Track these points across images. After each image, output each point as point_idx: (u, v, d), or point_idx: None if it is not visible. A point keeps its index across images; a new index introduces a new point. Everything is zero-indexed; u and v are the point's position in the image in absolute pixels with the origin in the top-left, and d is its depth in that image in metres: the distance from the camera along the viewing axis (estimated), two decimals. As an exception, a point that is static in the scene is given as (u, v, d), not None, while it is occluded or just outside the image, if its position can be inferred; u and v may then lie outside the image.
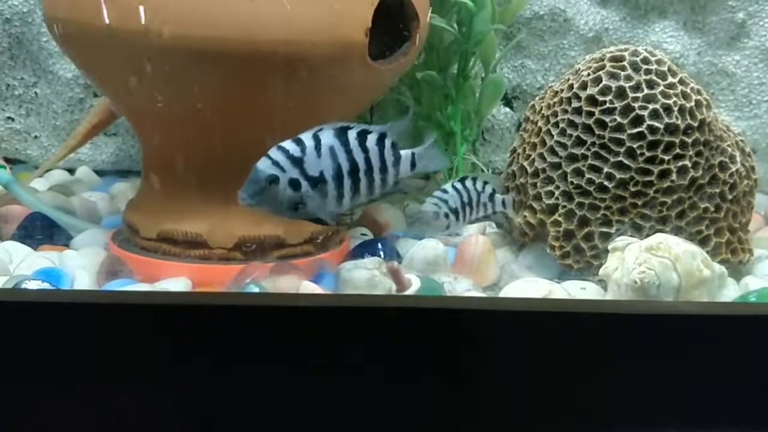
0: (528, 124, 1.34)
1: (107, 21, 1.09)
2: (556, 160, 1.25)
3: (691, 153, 1.22)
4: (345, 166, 1.00)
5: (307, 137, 0.99)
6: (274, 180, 0.97)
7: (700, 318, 0.92)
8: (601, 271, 1.16)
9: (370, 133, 1.03)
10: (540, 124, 1.29)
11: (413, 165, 1.06)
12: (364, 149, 1.01)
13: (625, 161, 1.21)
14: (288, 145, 0.99)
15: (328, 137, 1.00)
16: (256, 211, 1.00)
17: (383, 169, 1.03)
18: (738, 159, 1.27)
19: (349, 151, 1.01)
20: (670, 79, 1.22)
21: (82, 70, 1.27)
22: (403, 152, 1.05)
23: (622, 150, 1.21)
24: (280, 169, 0.98)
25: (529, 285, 1.15)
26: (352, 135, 1.01)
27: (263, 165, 0.98)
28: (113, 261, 1.20)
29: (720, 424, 0.92)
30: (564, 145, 1.24)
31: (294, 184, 0.98)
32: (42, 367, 0.88)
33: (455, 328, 0.90)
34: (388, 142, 1.03)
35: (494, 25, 1.45)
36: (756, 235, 1.40)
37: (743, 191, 1.28)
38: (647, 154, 1.21)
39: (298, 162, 0.98)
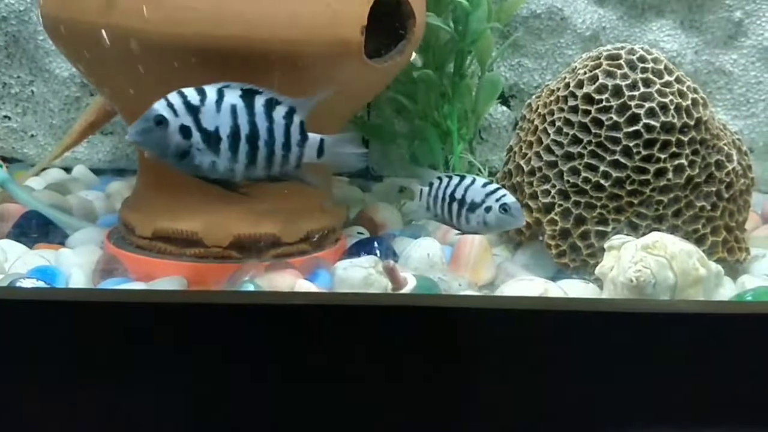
0: (524, 123, 1.34)
1: (104, 20, 1.09)
2: (553, 158, 1.25)
3: (687, 151, 1.22)
4: (244, 129, 0.95)
5: (211, 89, 0.95)
6: (162, 121, 0.94)
7: (697, 317, 0.92)
8: (597, 270, 1.16)
9: (279, 104, 0.98)
10: (536, 122, 1.29)
11: (320, 152, 1.00)
12: (269, 119, 0.97)
13: (622, 160, 1.21)
14: (188, 91, 0.95)
15: (232, 95, 0.96)
16: (144, 149, 0.95)
17: (286, 145, 0.98)
18: (735, 158, 1.27)
19: (252, 115, 0.96)
20: (667, 78, 1.22)
21: (78, 68, 1.27)
22: (311, 135, 0.99)
23: (618, 148, 1.21)
24: (172, 112, 0.94)
25: (525, 284, 1.15)
26: (259, 100, 0.96)
27: (157, 105, 0.94)
28: (109, 259, 1.20)
29: (717, 423, 0.92)
30: (560, 144, 1.24)
31: (184, 131, 0.95)
32: (37, 365, 0.88)
33: (451, 327, 0.90)
34: (296, 119, 0.98)
35: (490, 23, 1.45)
36: (752, 234, 1.40)
37: (740, 190, 1.28)
38: (643, 152, 1.21)
39: (193, 110, 0.94)
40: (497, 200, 1.11)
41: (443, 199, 1.14)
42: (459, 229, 1.17)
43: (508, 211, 1.11)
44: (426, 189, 1.15)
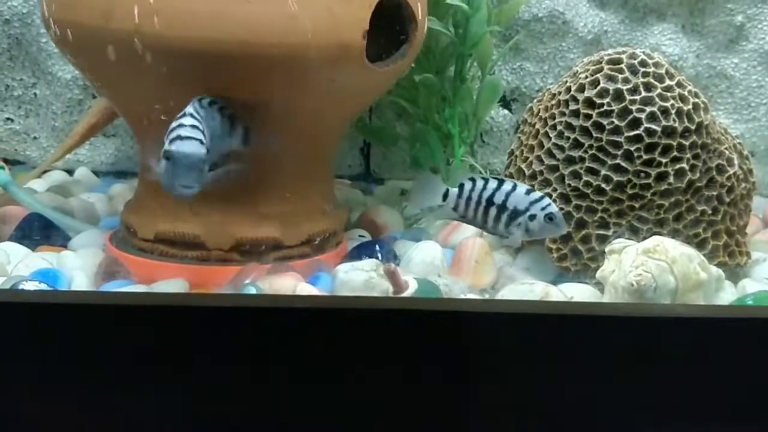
0: (525, 127, 1.34)
1: (107, 23, 1.09)
2: (554, 162, 1.25)
3: (688, 156, 1.22)
4: (217, 132, 1.04)
5: (190, 110, 1.03)
6: (206, 159, 0.99)
7: (697, 321, 0.92)
8: (598, 274, 1.16)
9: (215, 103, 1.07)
10: (537, 126, 1.29)
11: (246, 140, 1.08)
12: (213, 117, 1.06)
13: (623, 164, 1.21)
14: (190, 119, 1.01)
15: (195, 107, 1.04)
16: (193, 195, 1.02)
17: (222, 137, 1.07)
18: (736, 162, 1.27)
19: (213, 118, 1.05)
20: (668, 82, 1.23)
21: (80, 71, 1.27)
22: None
23: (619, 153, 1.21)
24: (203, 145, 0.99)
25: (526, 287, 1.15)
26: (205, 102, 1.06)
27: (192, 148, 0.99)
28: (111, 262, 1.21)
29: (717, 426, 0.92)
30: (561, 148, 1.24)
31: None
32: (39, 368, 0.88)
33: (452, 331, 0.90)
34: (227, 112, 1.07)
35: (490, 27, 1.45)
36: (754, 238, 1.40)
37: (741, 194, 1.28)
38: (645, 156, 1.21)
39: (203, 133, 1.01)
40: (542, 209, 1.12)
41: (478, 202, 1.13)
42: (493, 233, 1.16)
43: (554, 219, 1.11)
44: (455, 191, 1.14)
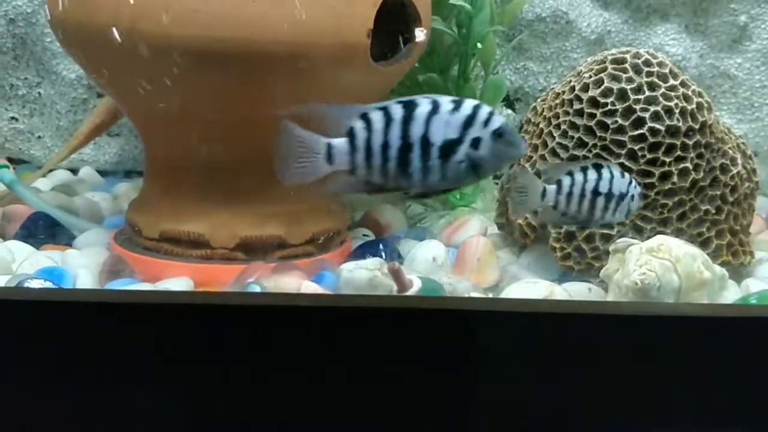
0: (529, 126, 1.34)
1: (114, 22, 1.09)
2: (558, 161, 1.25)
3: (692, 155, 1.22)
4: None
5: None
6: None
7: (701, 320, 0.92)
8: (602, 273, 1.16)
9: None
10: (542, 125, 1.29)
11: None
12: None
13: (627, 163, 1.21)
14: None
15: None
16: None
17: None
18: (739, 161, 1.27)
19: None
20: (672, 82, 1.23)
21: (85, 70, 1.28)
22: None
23: (623, 152, 1.21)
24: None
25: (530, 286, 1.15)
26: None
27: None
28: (115, 260, 1.21)
29: (720, 425, 0.92)
30: (565, 147, 1.25)
31: None
32: (43, 366, 0.88)
33: (456, 329, 0.90)
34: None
35: (493, 26, 1.45)
36: (757, 237, 1.40)
37: (744, 194, 1.28)
38: (648, 156, 1.21)
39: None
40: (635, 187, 1.10)
41: (582, 195, 1.09)
42: (592, 225, 1.15)
43: (641, 198, 1.10)
44: (552, 187, 1.09)
